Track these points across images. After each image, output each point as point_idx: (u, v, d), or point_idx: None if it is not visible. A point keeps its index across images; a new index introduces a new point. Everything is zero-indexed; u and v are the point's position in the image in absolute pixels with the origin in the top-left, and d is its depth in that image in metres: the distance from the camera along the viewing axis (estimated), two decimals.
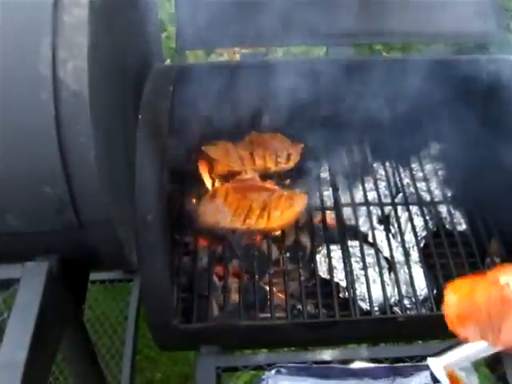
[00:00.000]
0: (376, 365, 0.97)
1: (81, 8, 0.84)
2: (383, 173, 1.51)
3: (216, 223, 1.32)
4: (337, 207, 1.41)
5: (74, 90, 0.82)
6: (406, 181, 1.50)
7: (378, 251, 1.32)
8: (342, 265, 1.29)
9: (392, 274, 1.29)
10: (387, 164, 1.53)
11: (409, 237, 1.36)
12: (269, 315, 1.20)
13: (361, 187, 1.45)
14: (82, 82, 0.82)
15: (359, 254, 1.30)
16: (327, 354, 1.06)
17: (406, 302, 1.25)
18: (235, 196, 1.36)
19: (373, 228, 1.36)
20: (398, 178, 1.51)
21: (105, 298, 1.78)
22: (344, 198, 1.45)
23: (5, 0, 0.82)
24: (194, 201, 1.38)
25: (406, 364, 0.99)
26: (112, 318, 1.73)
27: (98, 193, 0.89)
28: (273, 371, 0.96)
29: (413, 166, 1.54)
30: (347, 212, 1.42)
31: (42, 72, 0.82)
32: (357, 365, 0.99)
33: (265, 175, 1.46)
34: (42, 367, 0.88)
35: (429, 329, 1.19)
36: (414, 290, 1.23)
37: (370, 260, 1.30)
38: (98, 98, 0.87)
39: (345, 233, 1.36)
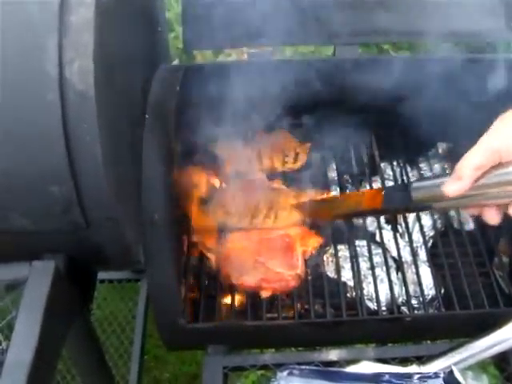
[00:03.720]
0: (389, 370, 0.96)
1: (87, 8, 0.84)
2: (391, 172, 1.51)
3: (223, 223, 1.32)
4: None
5: (81, 90, 0.83)
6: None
7: (385, 251, 1.31)
8: (349, 264, 1.30)
9: (399, 273, 1.29)
10: (395, 163, 1.52)
11: (416, 236, 1.36)
12: (276, 315, 1.21)
13: (368, 187, 1.45)
14: (88, 81, 0.83)
15: (367, 254, 1.30)
16: (334, 354, 1.06)
17: (413, 301, 1.25)
18: (242, 196, 1.36)
19: (380, 227, 1.36)
20: (405, 178, 1.50)
21: (113, 297, 1.79)
22: None
23: (11, 0, 0.83)
24: (201, 200, 1.38)
25: (419, 371, 0.98)
26: (120, 317, 1.74)
27: (105, 192, 0.89)
28: (285, 372, 0.95)
29: (421, 165, 1.53)
30: None
31: (49, 72, 0.82)
32: (366, 366, 0.99)
33: (272, 175, 1.46)
34: (48, 366, 0.89)
35: (436, 328, 1.19)
36: (422, 290, 1.22)
37: (377, 259, 1.30)
38: (105, 97, 0.87)
39: (352, 232, 1.36)
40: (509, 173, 0.83)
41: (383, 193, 1.07)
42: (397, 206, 1.06)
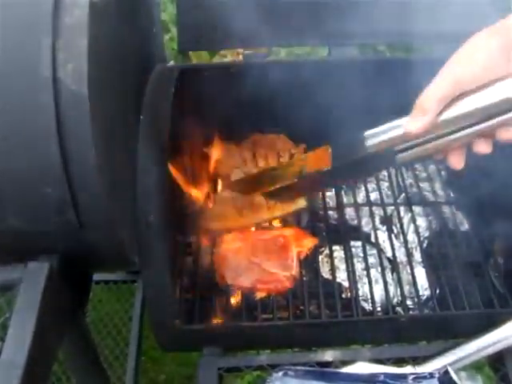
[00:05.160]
0: (384, 371, 0.96)
1: (81, 9, 0.84)
2: (386, 173, 1.51)
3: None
4: (339, 207, 1.42)
5: (74, 91, 0.82)
6: (409, 181, 1.50)
7: (380, 251, 1.32)
8: (344, 265, 1.30)
9: (394, 274, 1.29)
10: None
11: (411, 237, 1.36)
12: (271, 316, 1.21)
13: (363, 188, 1.45)
14: (82, 82, 0.82)
15: (362, 255, 1.30)
16: (329, 355, 1.06)
17: (408, 302, 1.25)
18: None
19: (375, 228, 1.36)
20: (400, 179, 1.51)
21: (109, 298, 1.79)
22: (346, 199, 1.45)
23: (4, 1, 0.83)
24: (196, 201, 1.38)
25: (414, 371, 0.98)
26: (116, 318, 1.74)
27: (99, 193, 0.89)
28: (280, 373, 0.96)
29: (416, 166, 1.53)
30: (350, 212, 1.42)
31: (43, 73, 0.82)
32: (361, 367, 0.99)
33: None
34: (43, 367, 0.88)
35: (431, 329, 1.19)
36: (417, 291, 1.22)
37: (372, 260, 1.31)
38: (99, 98, 0.87)
39: (347, 233, 1.36)
40: (471, 103, 0.75)
41: (330, 149, 0.92)
42: (349, 162, 0.89)
